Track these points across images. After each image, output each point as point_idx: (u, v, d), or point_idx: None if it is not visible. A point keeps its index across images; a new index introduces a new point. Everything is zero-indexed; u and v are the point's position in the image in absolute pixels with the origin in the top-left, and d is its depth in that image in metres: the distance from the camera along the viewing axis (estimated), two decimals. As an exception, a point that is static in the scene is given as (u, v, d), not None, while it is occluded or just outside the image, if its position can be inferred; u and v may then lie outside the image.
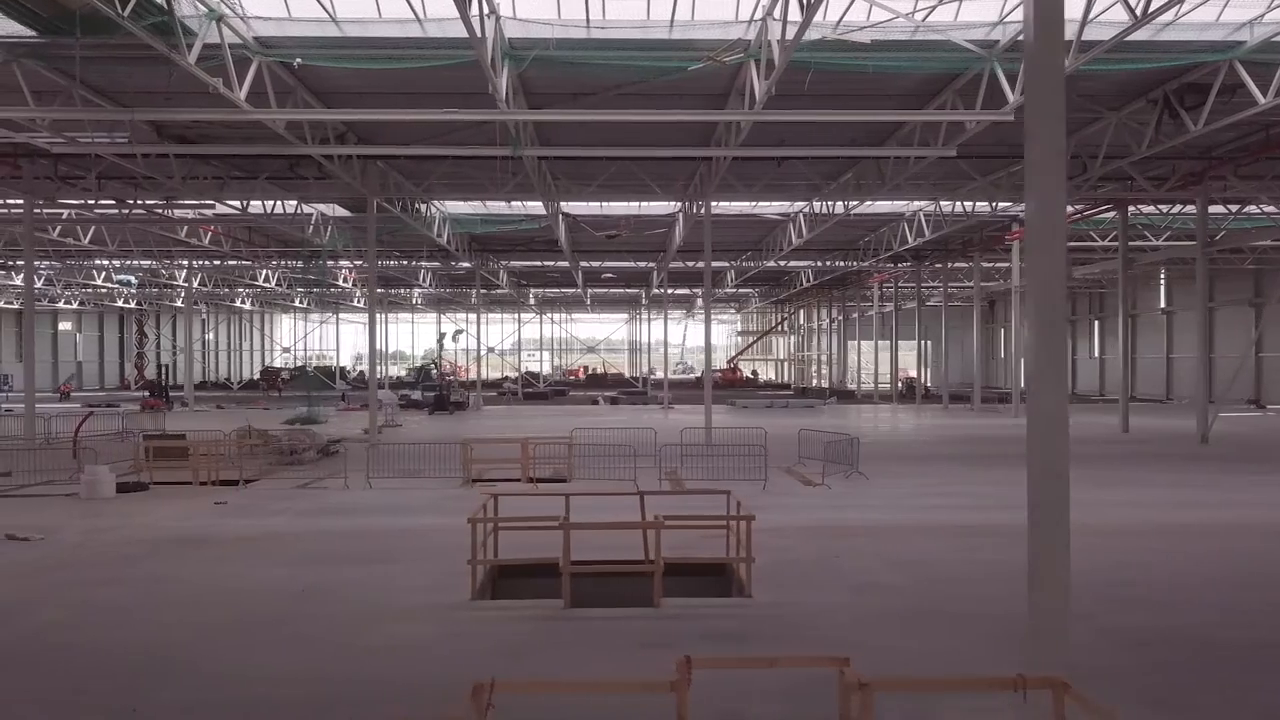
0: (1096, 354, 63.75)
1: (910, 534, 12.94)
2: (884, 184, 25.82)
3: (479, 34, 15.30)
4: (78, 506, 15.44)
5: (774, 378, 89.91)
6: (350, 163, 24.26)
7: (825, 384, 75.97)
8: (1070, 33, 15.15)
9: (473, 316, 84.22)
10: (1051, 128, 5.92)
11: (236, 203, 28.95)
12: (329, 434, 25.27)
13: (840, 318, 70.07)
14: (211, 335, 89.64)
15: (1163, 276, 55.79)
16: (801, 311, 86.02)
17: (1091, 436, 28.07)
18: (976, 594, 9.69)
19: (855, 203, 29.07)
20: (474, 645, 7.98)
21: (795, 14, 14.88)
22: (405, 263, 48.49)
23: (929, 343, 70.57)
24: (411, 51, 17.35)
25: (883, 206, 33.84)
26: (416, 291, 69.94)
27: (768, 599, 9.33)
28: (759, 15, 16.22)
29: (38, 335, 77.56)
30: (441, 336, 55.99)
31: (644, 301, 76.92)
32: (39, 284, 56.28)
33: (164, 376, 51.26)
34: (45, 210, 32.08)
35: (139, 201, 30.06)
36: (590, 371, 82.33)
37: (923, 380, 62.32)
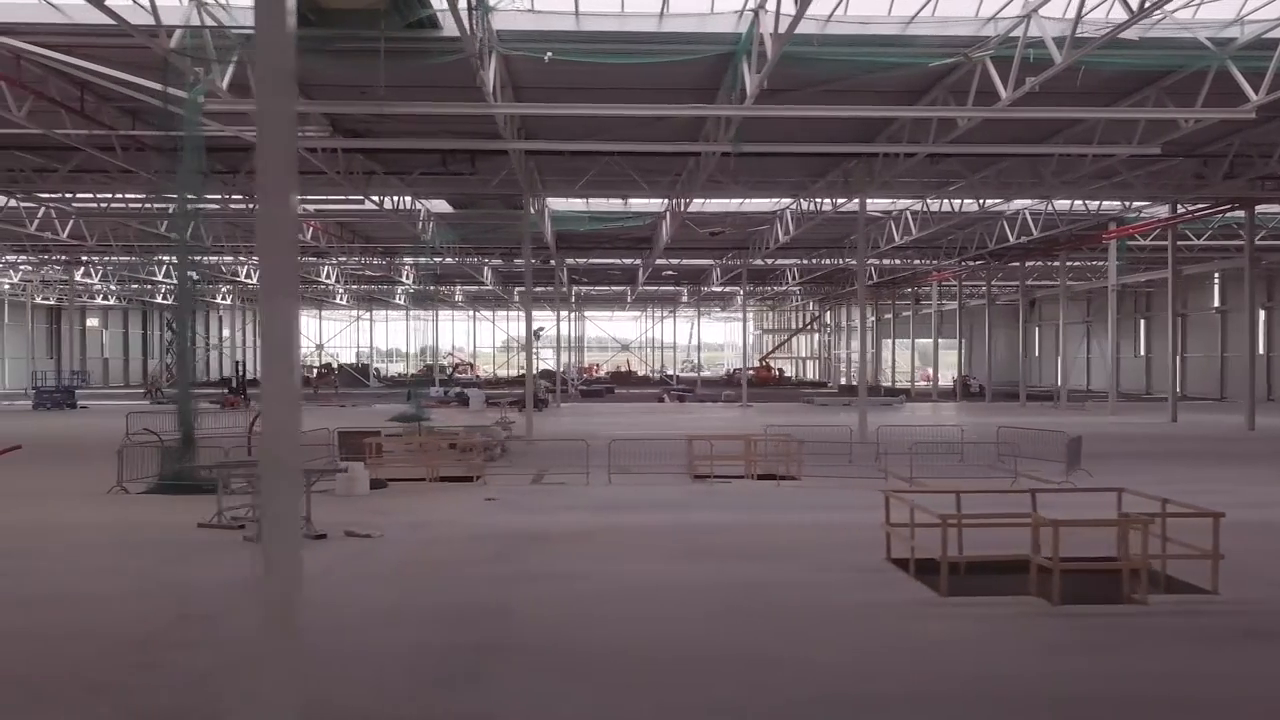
0: (1142, 353, 64.19)
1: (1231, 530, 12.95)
2: (1040, 182, 25.92)
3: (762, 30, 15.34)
4: (350, 503, 15.20)
5: (794, 375, 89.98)
6: (519, 158, 24.08)
7: (856, 382, 76.42)
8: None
9: (500, 314, 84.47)
10: None
11: (376, 198, 28.64)
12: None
13: (890, 316, 70.20)
14: (227, 332, 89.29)
15: (1216, 276, 56.28)
16: (829, 310, 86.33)
17: (1231, 435, 28.30)
18: None
19: (997, 201, 29.14)
20: (1034, 645, 7.92)
21: (1063, 10, 15.08)
22: (477, 259, 48.39)
23: (966, 341, 71.13)
24: (654, 46, 17.27)
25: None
26: (458, 289, 69.74)
27: (1233, 595, 9.32)
28: (1019, 11, 16.22)
29: (65, 332, 76.89)
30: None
31: (684, 299, 76.99)
32: (94, 281, 55.64)
33: (239, 374, 50.80)
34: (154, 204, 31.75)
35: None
36: (606, 370, 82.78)
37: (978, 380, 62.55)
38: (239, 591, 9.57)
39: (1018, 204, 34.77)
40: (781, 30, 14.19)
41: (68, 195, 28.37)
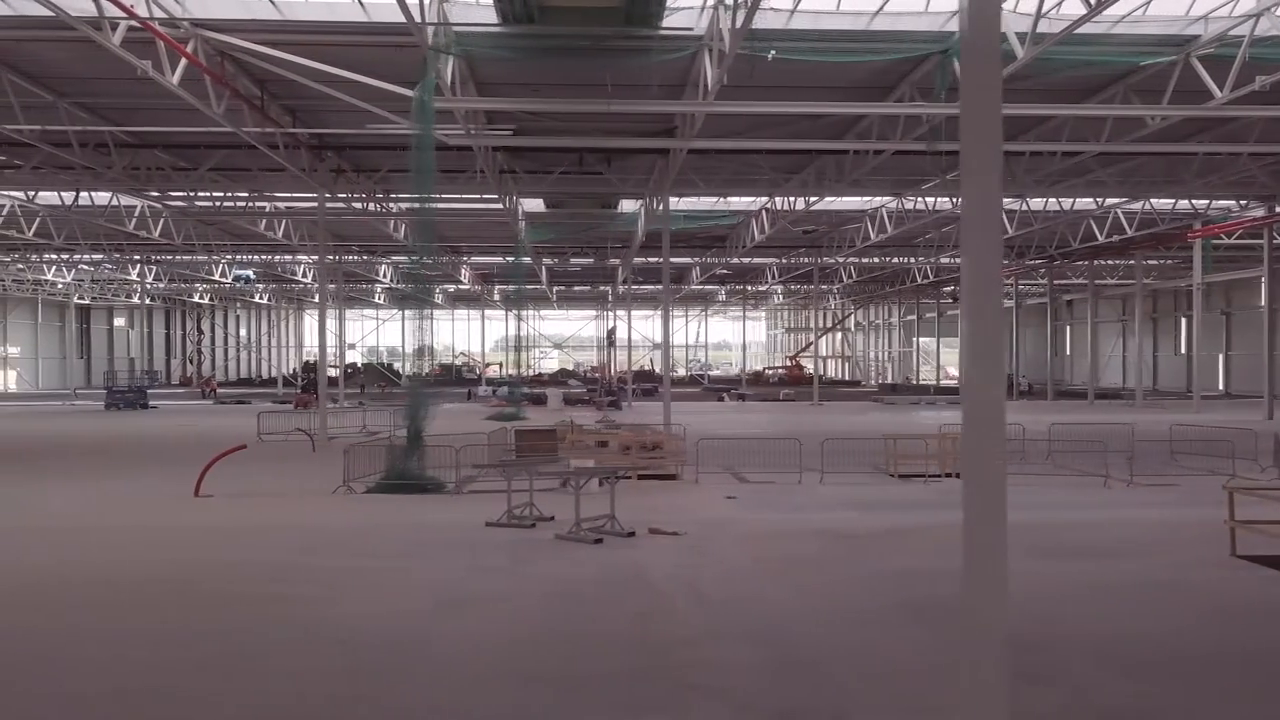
0: (1182, 351, 64.47)
1: None
2: (1177, 181, 26.08)
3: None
4: (593, 500, 15.02)
5: (822, 374, 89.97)
6: (676, 156, 24.02)
7: (885, 381, 77.04)
8: None
9: (543, 313, 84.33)
10: None
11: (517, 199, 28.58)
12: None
13: (935, 315, 70.34)
14: (231, 331, 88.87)
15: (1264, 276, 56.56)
16: (857, 309, 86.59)
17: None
18: None
19: (1121, 199, 29.26)
20: None
21: None
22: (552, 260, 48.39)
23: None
24: (872, 44, 17.28)
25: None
26: (497, 289, 69.48)
27: None
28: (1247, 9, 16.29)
29: (95, 332, 76.40)
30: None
31: (721, 298, 76.96)
32: (149, 279, 55.17)
33: (313, 373, 50.48)
34: (251, 204, 31.54)
35: (374, 196, 29.59)
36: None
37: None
38: (636, 588, 9.58)
39: (1110, 202, 34.98)
40: (1055, 29, 14.19)
41: (190, 194, 28.10)
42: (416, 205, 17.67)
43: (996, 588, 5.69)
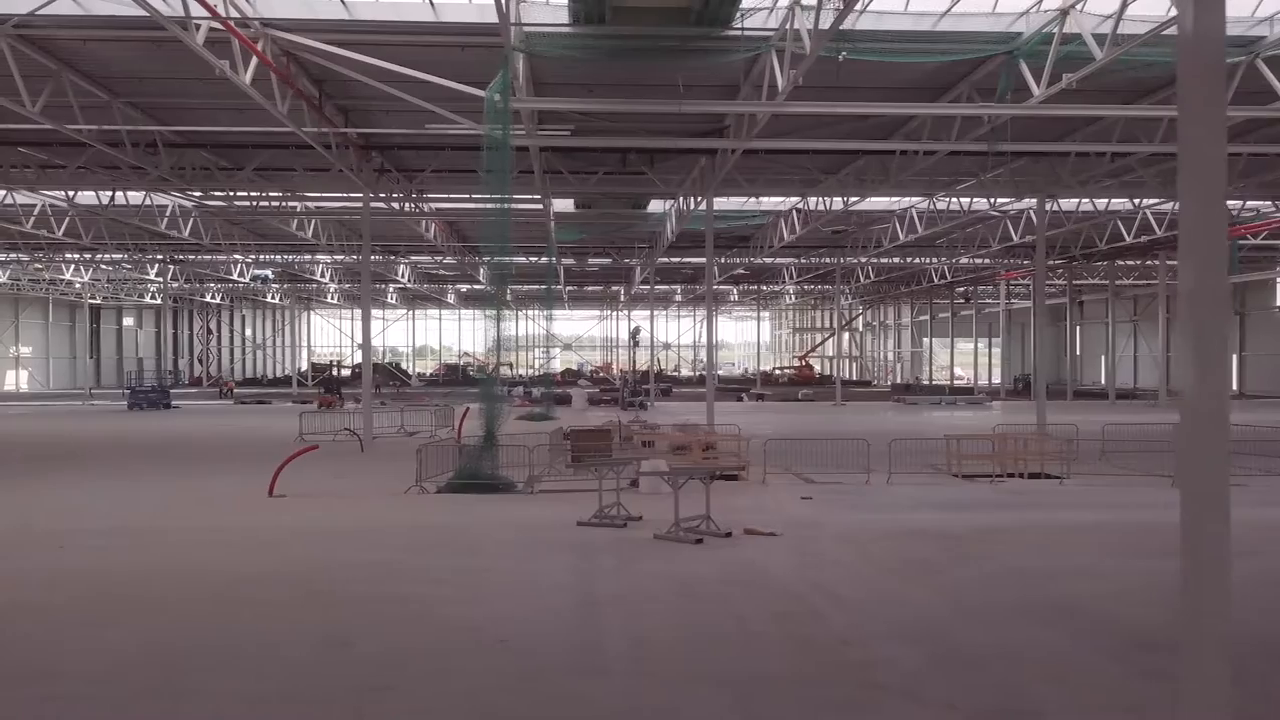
0: (1195, 351, 64.27)
1: None
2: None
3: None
4: (665, 500, 15.01)
5: (831, 374, 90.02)
6: (724, 157, 24.02)
7: (895, 381, 77.13)
8: None
9: (559, 312, 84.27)
10: None
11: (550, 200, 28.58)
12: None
13: (949, 315, 70.45)
14: (238, 331, 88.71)
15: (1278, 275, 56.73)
16: (866, 309, 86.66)
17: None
18: None
19: (1155, 200, 29.33)
20: None
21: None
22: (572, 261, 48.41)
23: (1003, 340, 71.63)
24: (936, 44, 17.28)
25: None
26: (509, 289, 69.47)
27: None
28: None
29: (103, 332, 76.15)
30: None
31: (733, 298, 76.93)
32: (174, 280, 54.94)
33: (336, 373, 50.45)
34: (284, 203, 31.47)
35: (410, 196, 29.53)
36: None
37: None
38: (763, 588, 9.60)
39: (1145, 202, 34.98)
40: (1141, 30, 14.22)
41: (230, 194, 28.05)
42: (493, 206, 17.48)
43: (1219, 593, 5.70)
